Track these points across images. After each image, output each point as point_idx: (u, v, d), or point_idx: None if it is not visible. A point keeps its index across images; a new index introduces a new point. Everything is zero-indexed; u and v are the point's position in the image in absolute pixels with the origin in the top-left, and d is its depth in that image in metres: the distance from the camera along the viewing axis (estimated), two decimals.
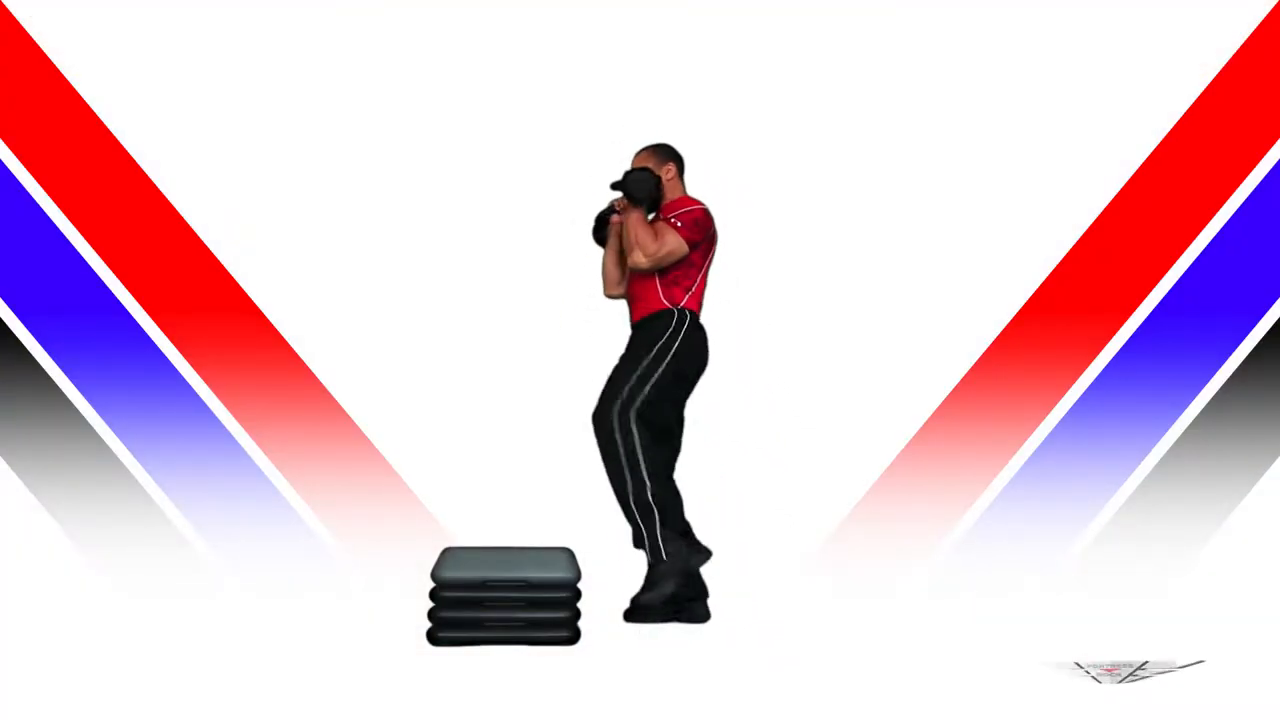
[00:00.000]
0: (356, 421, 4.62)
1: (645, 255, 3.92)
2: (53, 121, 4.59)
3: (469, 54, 4.86)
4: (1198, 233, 4.61)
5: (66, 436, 4.47)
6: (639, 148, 4.08)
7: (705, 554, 3.91)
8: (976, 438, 4.60)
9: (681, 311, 3.97)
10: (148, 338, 4.57)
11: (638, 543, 3.88)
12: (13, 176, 4.55)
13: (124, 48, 4.64)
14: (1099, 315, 4.63)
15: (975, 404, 4.63)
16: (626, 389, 3.89)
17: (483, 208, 4.82)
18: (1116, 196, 4.66)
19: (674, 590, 3.81)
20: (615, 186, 3.98)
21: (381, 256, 4.79)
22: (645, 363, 3.92)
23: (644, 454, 3.84)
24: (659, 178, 4.00)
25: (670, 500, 3.89)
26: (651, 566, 3.84)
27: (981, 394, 4.64)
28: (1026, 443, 4.59)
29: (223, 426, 4.56)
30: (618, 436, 3.86)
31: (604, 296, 4.18)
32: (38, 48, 4.57)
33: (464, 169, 4.80)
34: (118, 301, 4.58)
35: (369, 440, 4.62)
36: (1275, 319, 4.54)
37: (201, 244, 4.63)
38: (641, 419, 3.86)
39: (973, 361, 4.65)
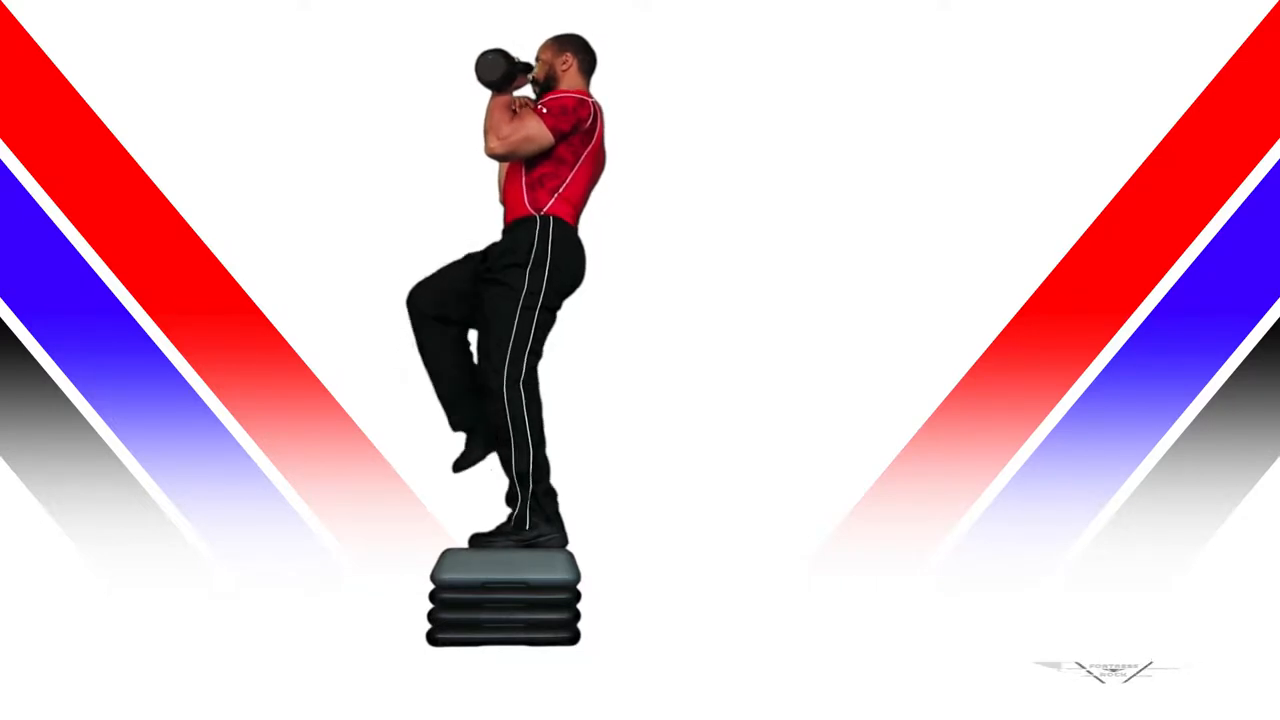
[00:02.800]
0: (356, 421, 4.62)
1: (498, 139, 3.56)
2: (53, 121, 4.58)
3: (470, 54, 4.86)
4: (1198, 233, 4.60)
5: (66, 436, 4.47)
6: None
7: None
8: (976, 438, 4.60)
9: (545, 220, 3.60)
10: (148, 338, 4.57)
11: (509, 501, 3.69)
12: (13, 176, 4.55)
13: (124, 48, 4.64)
14: (1099, 315, 4.63)
15: (975, 404, 4.63)
16: (507, 357, 3.58)
17: (483, 208, 4.81)
18: (1116, 196, 4.65)
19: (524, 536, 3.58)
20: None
21: (381, 256, 4.78)
22: (518, 315, 3.57)
23: (530, 422, 3.59)
24: (510, 58, 3.62)
25: (546, 468, 3.64)
26: (515, 527, 3.63)
27: (981, 394, 4.63)
28: (1026, 443, 4.59)
29: (223, 426, 4.55)
30: (506, 410, 3.59)
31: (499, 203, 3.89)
32: (38, 48, 4.57)
33: (464, 169, 4.79)
34: (118, 301, 4.57)
35: (369, 440, 4.61)
36: (1275, 319, 4.54)
37: (201, 244, 4.63)
38: (525, 382, 3.59)
39: (973, 361, 4.65)
